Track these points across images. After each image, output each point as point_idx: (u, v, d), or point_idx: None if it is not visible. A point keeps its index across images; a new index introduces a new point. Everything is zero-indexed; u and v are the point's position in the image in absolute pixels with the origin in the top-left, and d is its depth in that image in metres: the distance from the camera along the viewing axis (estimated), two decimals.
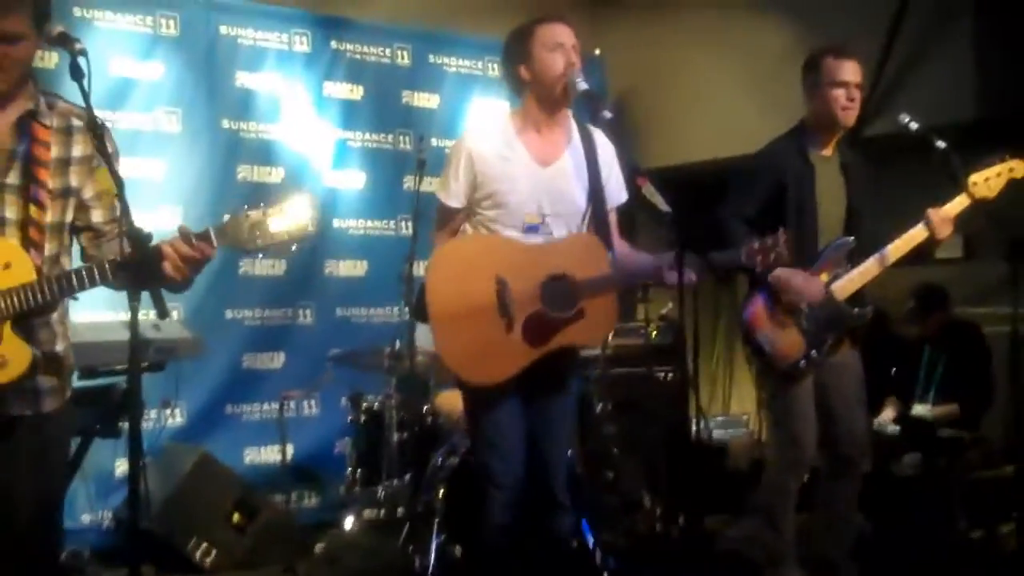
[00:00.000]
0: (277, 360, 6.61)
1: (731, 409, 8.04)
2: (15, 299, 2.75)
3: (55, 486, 3.06)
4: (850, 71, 4.39)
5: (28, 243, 2.83)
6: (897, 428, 6.10)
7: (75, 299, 2.84)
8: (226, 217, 2.77)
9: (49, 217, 2.90)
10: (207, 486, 5.16)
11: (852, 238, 4.36)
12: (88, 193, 2.96)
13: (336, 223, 6.79)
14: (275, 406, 6.02)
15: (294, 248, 2.81)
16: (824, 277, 4.35)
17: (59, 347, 2.98)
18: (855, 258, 4.37)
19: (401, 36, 7.25)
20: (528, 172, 3.72)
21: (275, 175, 6.65)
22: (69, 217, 2.96)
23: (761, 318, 4.39)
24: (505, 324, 3.59)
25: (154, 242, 2.75)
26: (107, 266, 2.78)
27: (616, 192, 3.88)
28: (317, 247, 6.68)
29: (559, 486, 3.84)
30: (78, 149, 2.95)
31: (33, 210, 2.86)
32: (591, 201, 3.80)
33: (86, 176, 2.95)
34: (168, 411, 5.65)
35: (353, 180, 6.95)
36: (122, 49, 6.11)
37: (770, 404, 4.59)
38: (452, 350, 3.60)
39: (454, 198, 3.74)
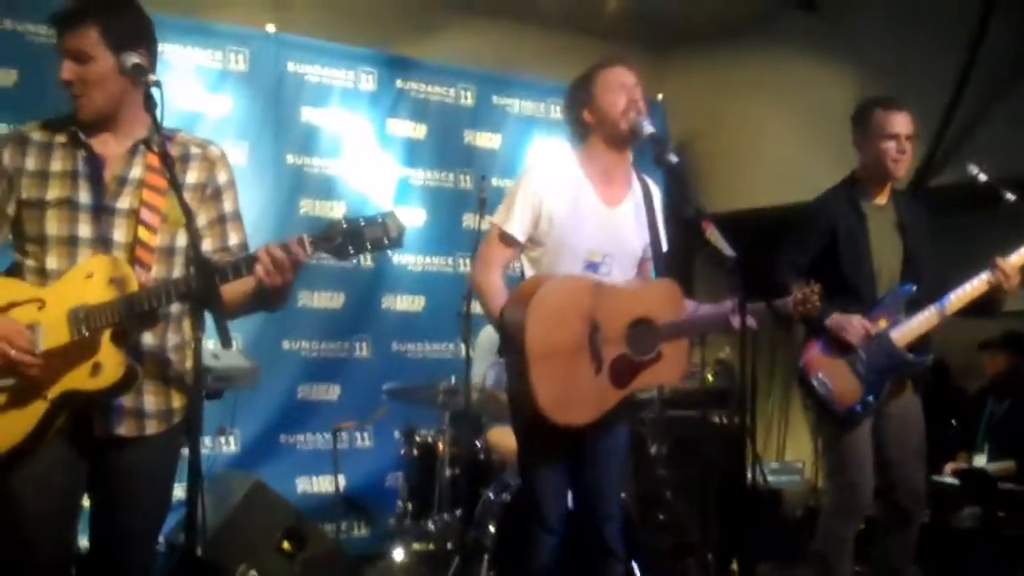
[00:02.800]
0: (332, 392, 6.64)
1: (786, 456, 7.96)
2: (112, 311, 2.81)
3: (158, 508, 3.11)
4: (900, 123, 4.39)
5: (135, 263, 2.92)
6: (956, 480, 6.00)
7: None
8: (324, 227, 2.77)
9: (158, 240, 2.98)
10: (259, 514, 5.17)
11: (912, 286, 4.33)
12: (200, 221, 3.04)
13: (395, 258, 6.84)
14: (329, 437, 6.04)
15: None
16: (883, 324, 4.32)
17: (171, 371, 3.04)
18: (915, 306, 4.34)
19: (465, 77, 7.33)
20: (595, 211, 3.77)
21: (337, 210, 6.72)
22: (180, 242, 3.03)
23: (818, 362, 4.37)
24: (595, 366, 3.61)
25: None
26: (172, 289, 2.83)
27: (664, 240, 3.94)
28: (375, 281, 6.75)
29: (610, 532, 3.83)
30: (192, 176, 3.05)
31: (143, 232, 2.95)
32: (652, 245, 3.86)
33: (198, 203, 3.03)
34: (223, 438, 5.70)
35: (413, 216, 6.99)
36: (192, 82, 6.24)
37: (826, 451, 4.54)
38: (545, 391, 3.56)
39: (518, 230, 3.77)
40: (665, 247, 3.93)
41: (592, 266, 3.76)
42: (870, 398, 4.30)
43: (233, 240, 3.13)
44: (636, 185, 3.90)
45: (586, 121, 3.81)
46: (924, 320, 4.32)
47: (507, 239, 3.79)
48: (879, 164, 4.40)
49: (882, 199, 4.49)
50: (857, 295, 4.34)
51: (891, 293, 4.35)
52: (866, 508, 4.38)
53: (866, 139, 4.43)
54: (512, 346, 3.61)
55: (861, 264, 4.36)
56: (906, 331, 4.32)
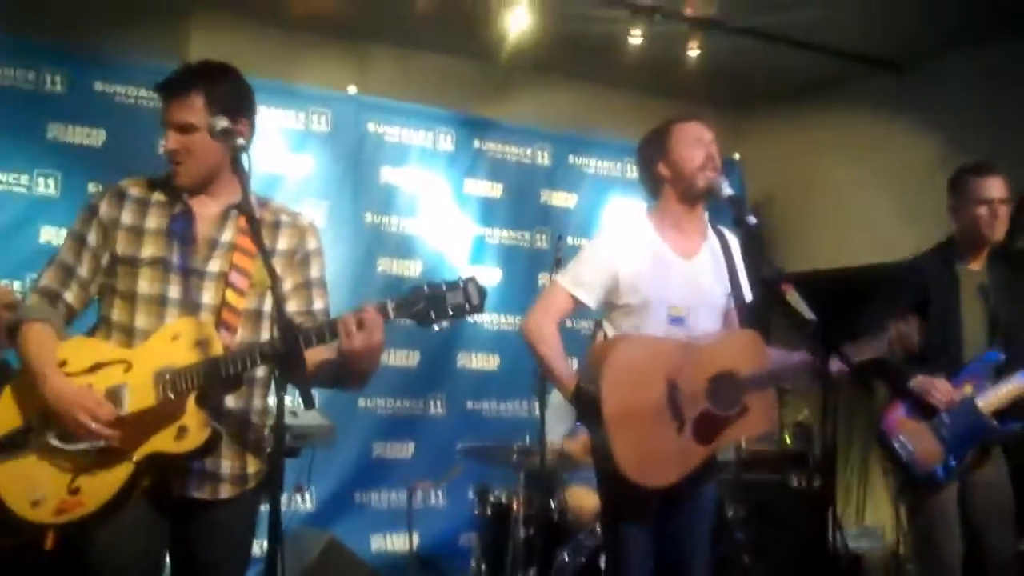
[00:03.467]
0: (407, 450, 6.67)
1: (866, 520, 7.79)
2: (198, 374, 2.84)
3: (239, 569, 3.11)
4: (994, 188, 4.34)
5: (221, 325, 2.95)
6: None
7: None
8: (407, 292, 2.79)
9: (246, 304, 3.02)
10: (334, 571, 5.18)
11: (1000, 354, 4.25)
12: (287, 285, 3.08)
13: (471, 317, 6.84)
14: (403, 495, 6.05)
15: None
16: (968, 390, 4.24)
17: (250, 435, 3.07)
18: (1004, 373, 4.26)
19: (542, 137, 7.40)
20: (671, 265, 3.74)
21: (413, 268, 6.80)
22: (267, 306, 3.06)
23: (899, 424, 4.30)
24: (677, 426, 3.56)
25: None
26: (256, 352, 2.84)
27: (746, 291, 3.88)
28: (450, 339, 6.79)
29: None
30: (283, 242, 3.09)
31: (230, 295, 2.98)
32: (733, 296, 3.80)
33: (285, 269, 3.07)
34: (299, 496, 5.73)
35: (489, 275, 7.03)
36: (275, 143, 6.37)
37: (910, 518, 4.45)
38: (627, 453, 3.51)
39: (588, 295, 3.75)
40: (749, 298, 3.87)
41: (677, 320, 3.70)
42: (953, 462, 4.22)
43: (317, 305, 3.15)
44: (712, 236, 3.87)
45: (661, 175, 3.80)
46: (1013, 389, 4.24)
47: (571, 300, 3.77)
48: (974, 230, 4.35)
49: (977, 265, 4.43)
50: (943, 360, 4.28)
51: (978, 359, 4.28)
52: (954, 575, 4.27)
53: (960, 205, 4.39)
54: (590, 411, 3.58)
55: (949, 328, 4.29)
56: (993, 399, 4.24)
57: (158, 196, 3.06)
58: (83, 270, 3.03)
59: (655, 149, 3.83)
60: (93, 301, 3.09)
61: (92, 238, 3.03)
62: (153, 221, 3.03)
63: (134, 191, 3.07)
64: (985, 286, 4.40)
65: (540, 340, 3.75)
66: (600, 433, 3.51)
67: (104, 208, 3.04)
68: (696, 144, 3.75)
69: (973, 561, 4.29)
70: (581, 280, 3.77)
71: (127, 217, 3.03)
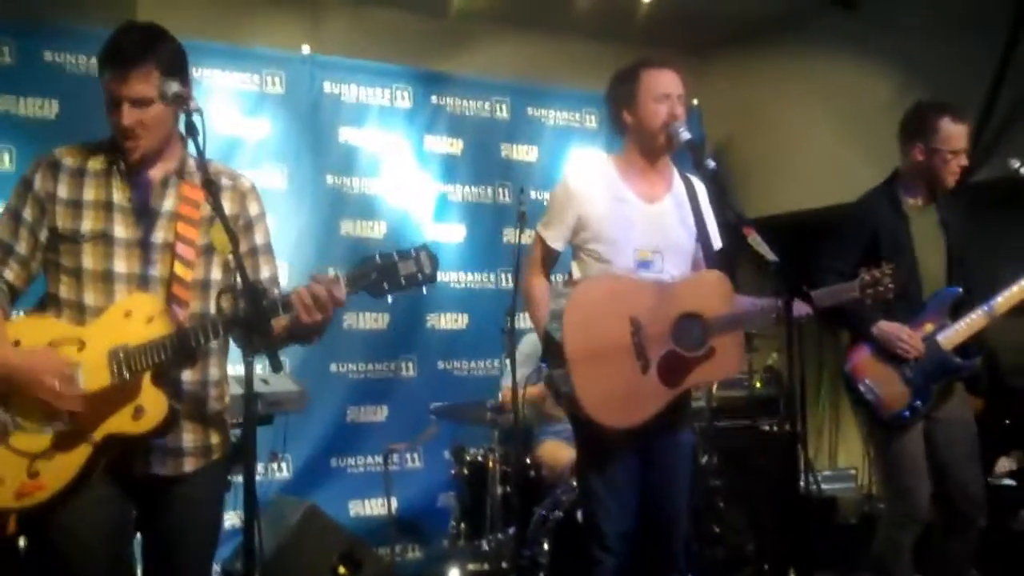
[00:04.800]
0: (380, 413, 6.66)
1: (839, 462, 7.88)
2: (153, 352, 2.81)
3: (208, 540, 3.12)
4: (964, 138, 4.34)
5: (172, 299, 2.90)
6: (1014, 482, 5.92)
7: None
8: (358, 263, 2.80)
9: (194, 274, 2.97)
10: (313, 538, 5.18)
11: (959, 288, 4.28)
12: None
13: (438, 276, 6.80)
14: (379, 459, 6.05)
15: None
16: (929, 328, 4.29)
17: (209, 408, 3.04)
18: (962, 309, 4.29)
19: (500, 89, 7.33)
20: (636, 209, 3.73)
21: (377, 230, 6.75)
22: (215, 275, 3.02)
23: (865, 367, 4.34)
24: (641, 366, 3.56)
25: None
26: (219, 322, 2.83)
27: (714, 237, 3.88)
28: (419, 300, 6.73)
29: (678, 549, 3.78)
30: (225, 208, 2.97)
31: (179, 267, 2.93)
32: (700, 242, 3.80)
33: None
34: (275, 464, 5.72)
35: (454, 233, 7.01)
36: (230, 106, 6.27)
37: (879, 458, 4.51)
38: (590, 394, 3.53)
39: (557, 240, 3.79)
40: (718, 244, 3.88)
41: (644, 264, 3.71)
42: (918, 403, 4.27)
43: (265, 273, 3.12)
44: (678, 182, 3.87)
45: (625, 121, 3.80)
46: (972, 323, 4.29)
47: (549, 250, 3.83)
48: (935, 175, 4.34)
49: (924, 200, 4.43)
50: (902, 299, 4.29)
51: (937, 297, 4.31)
52: (923, 514, 4.33)
53: (923, 147, 4.34)
54: (553, 352, 3.58)
55: (904, 267, 4.28)
56: (953, 334, 4.29)
57: (94, 165, 2.97)
58: (21, 247, 2.95)
59: (622, 94, 3.80)
60: (35, 279, 3.01)
61: (28, 213, 2.94)
62: (91, 192, 2.94)
63: (68, 161, 2.97)
64: (941, 221, 4.41)
65: (528, 300, 3.86)
66: (564, 374, 3.51)
67: (39, 181, 2.95)
68: (662, 99, 3.72)
69: (941, 498, 4.35)
70: (549, 224, 3.80)
71: (63, 190, 2.94)
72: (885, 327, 4.26)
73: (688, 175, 3.91)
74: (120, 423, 2.83)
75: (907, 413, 4.27)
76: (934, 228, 4.42)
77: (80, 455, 2.83)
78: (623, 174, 3.78)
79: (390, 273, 2.74)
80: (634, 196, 3.75)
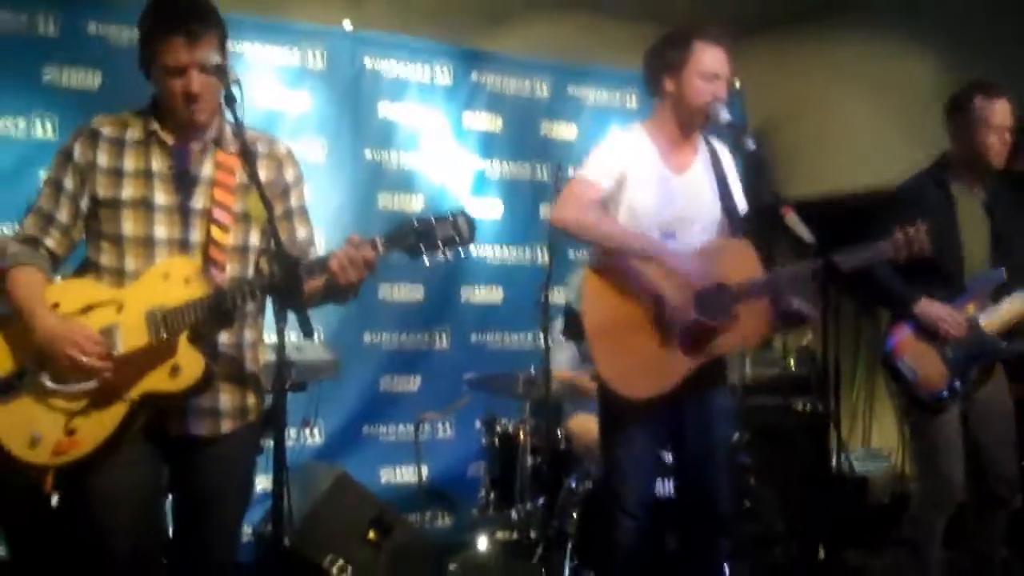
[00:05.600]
0: (413, 383, 6.69)
1: (872, 442, 7.84)
2: (190, 312, 2.86)
3: (239, 502, 3.17)
4: (1003, 114, 4.29)
5: (209, 262, 2.96)
6: None
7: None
8: (396, 226, 2.85)
9: (231, 240, 3.02)
10: (344, 504, 5.23)
11: (1003, 270, 4.25)
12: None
13: (474, 250, 6.77)
14: (411, 428, 6.08)
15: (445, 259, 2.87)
16: (971, 310, 4.25)
17: (246, 369, 3.10)
18: (1005, 292, 4.27)
19: (540, 68, 7.33)
20: (663, 179, 3.71)
21: (415, 203, 6.77)
22: (253, 241, 3.08)
23: (905, 346, 4.31)
24: (663, 336, 3.57)
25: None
26: (255, 287, 2.89)
27: (740, 201, 3.86)
28: (454, 273, 6.79)
29: (723, 512, 3.76)
30: (262, 174, 3.04)
31: (216, 232, 2.99)
32: (725, 209, 3.77)
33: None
34: (307, 430, 5.77)
35: (491, 209, 7.02)
36: (271, 80, 6.32)
37: (915, 437, 4.49)
38: (611, 366, 3.56)
39: (605, 178, 3.65)
40: (743, 207, 3.85)
41: (669, 235, 3.68)
42: (957, 384, 4.24)
43: (301, 234, 3.17)
44: (703, 149, 3.84)
45: (665, 88, 3.74)
46: (1013, 306, 4.24)
47: (592, 187, 3.66)
48: (979, 154, 4.31)
49: (972, 184, 4.41)
50: (946, 280, 4.28)
51: (979, 279, 4.28)
52: (956, 496, 4.31)
53: (965, 127, 4.33)
54: (575, 325, 3.60)
55: (950, 249, 4.27)
56: (995, 317, 4.26)
57: (133, 134, 3.02)
58: (62, 215, 3.02)
59: (669, 60, 3.72)
60: (76, 246, 3.08)
61: (69, 183, 3.01)
62: (131, 161, 3.00)
63: (107, 131, 3.03)
64: (988, 204, 4.38)
65: (592, 222, 3.62)
66: (584, 346, 3.52)
67: (78, 151, 3.00)
68: (710, 78, 3.66)
69: (975, 478, 4.33)
70: (599, 167, 3.68)
71: (103, 159, 3.00)
72: (928, 306, 4.24)
73: (711, 140, 3.88)
74: (157, 381, 2.88)
75: (946, 393, 4.24)
76: (980, 211, 4.39)
77: (117, 413, 2.88)
78: (655, 140, 3.76)
79: (427, 235, 2.79)
80: (663, 166, 3.73)
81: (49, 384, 2.90)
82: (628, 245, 3.62)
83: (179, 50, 2.88)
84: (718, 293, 3.59)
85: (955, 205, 4.34)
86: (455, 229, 2.80)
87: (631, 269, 3.62)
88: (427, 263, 2.84)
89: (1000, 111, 4.28)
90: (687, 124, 3.75)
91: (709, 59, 3.67)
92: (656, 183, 3.70)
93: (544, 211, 6.96)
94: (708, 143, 3.87)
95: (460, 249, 2.84)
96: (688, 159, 3.80)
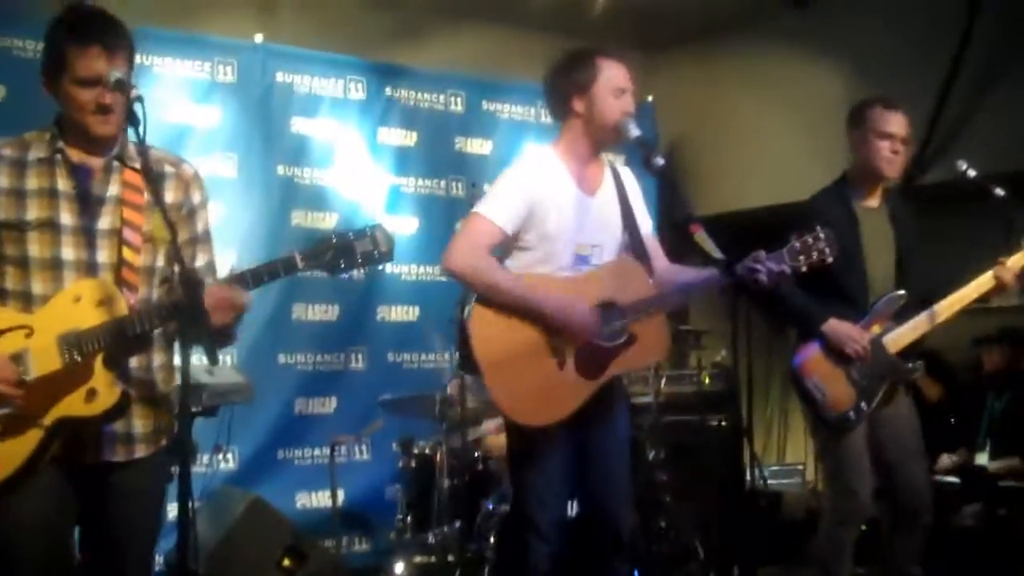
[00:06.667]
0: (329, 405, 6.61)
1: (786, 458, 7.94)
2: (104, 335, 2.78)
3: (150, 531, 3.09)
4: (896, 123, 4.35)
5: (122, 284, 2.88)
6: (957, 479, 5.99)
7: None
8: (314, 243, 2.82)
9: (141, 260, 2.95)
10: (258, 531, 5.15)
11: (903, 292, 4.31)
12: (180, 238, 2.96)
13: (388, 268, 6.76)
14: (326, 451, 6.00)
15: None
16: (876, 329, 4.31)
17: (157, 392, 3.02)
18: (908, 310, 4.32)
19: (454, 83, 7.30)
20: (578, 202, 3.68)
21: (329, 220, 6.70)
22: (159, 262, 3.01)
23: (813, 366, 4.35)
24: (557, 362, 3.55)
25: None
26: (161, 309, 2.82)
27: (646, 219, 3.86)
28: (369, 292, 6.73)
29: (624, 533, 3.75)
30: (168, 195, 2.99)
31: (127, 253, 2.91)
32: (626, 229, 3.77)
33: (176, 223, 2.94)
34: (220, 455, 5.66)
35: (406, 226, 6.95)
36: (180, 95, 6.20)
37: (822, 456, 4.54)
38: (506, 395, 3.52)
39: (508, 222, 3.58)
40: (648, 226, 3.86)
41: (582, 259, 3.66)
42: (863, 404, 4.28)
43: (200, 261, 3.11)
44: (608, 170, 3.83)
45: (574, 109, 3.69)
46: (916, 326, 4.31)
47: (492, 232, 3.58)
48: (873, 164, 4.36)
49: (874, 200, 4.46)
50: (851, 300, 4.32)
51: (883, 299, 4.32)
52: (865, 513, 4.37)
53: (860, 138, 4.39)
54: (466, 357, 3.56)
55: (854, 269, 4.31)
56: (898, 337, 4.31)
57: (36, 154, 2.93)
58: None
59: (575, 81, 3.69)
60: None
61: None
62: (34, 181, 2.91)
63: (7, 151, 2.93)
64: (891, 222, 4.44)
65: (483, 271, 3.54)
66: (479, 378, 3.50)
67: None
68: (619, 94, 3.66)
69: (888, 494, 4.38)
70: (503, 207, 3.60)
71: (3, 180, 2.89)
72: (836, 325, 4.27)
73: (611, 161, 3.88)
74: (72, 406, 2.80)
75: (852, 415, 4.28)
76: (884, 229, 4.44)
77: (31, 440, 2.79)
78: (567, 164, 3.72)
79: (347, 251, 2.78)
80: (576, 188, 3.70)
81: None
82: (514, 297, 3.54)
83: (95, 60, 2.82)
84: (611, 313, 3.58)
85: (858, 223, 4.38)
86: (374, 244, 2.80)
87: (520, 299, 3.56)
88: (346, 278, 2.83)
89: (894, 121, 4.35)
90: (598, 142, 3.74)
91: (616, 74, 3.68)
92: (572, 207, 3.66)
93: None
94: (611, 165, 3.86)
95: (380, 264, 2.83)
96: (597, 180, 3.78)
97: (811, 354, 4.35)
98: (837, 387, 4.29)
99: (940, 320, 4.30)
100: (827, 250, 3.62)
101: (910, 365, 4.32)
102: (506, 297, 3.54)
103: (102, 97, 2.84)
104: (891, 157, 4.34)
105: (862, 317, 4.30)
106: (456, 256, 3.59)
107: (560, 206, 3.65)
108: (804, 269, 3.64)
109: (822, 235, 3.62)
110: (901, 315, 4.32)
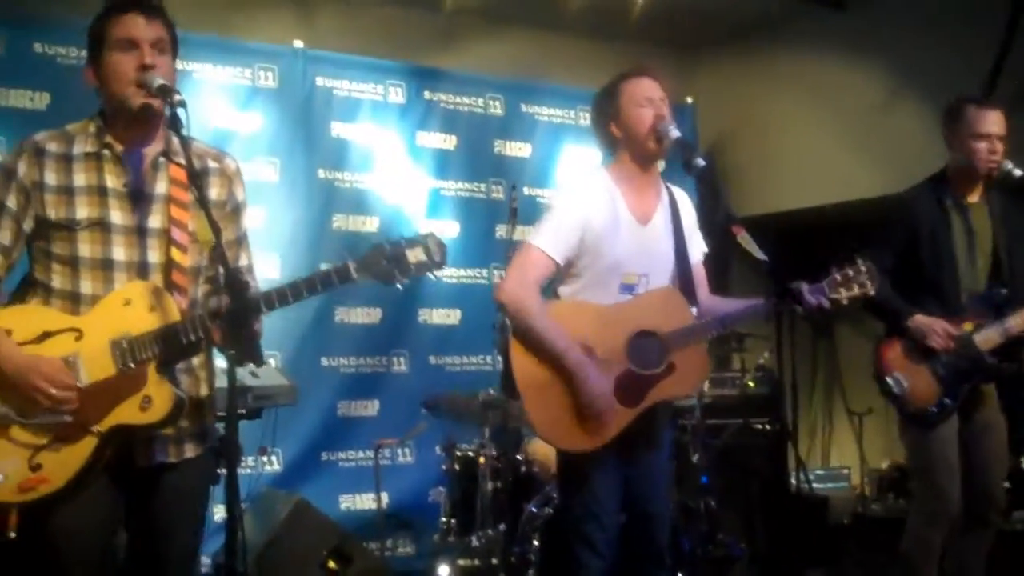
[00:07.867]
0: (372, 407, 6.64)
1: (831, 462, 7.86)
2: (157, 341, 2.77)
3: (195, 532, 3.09)
4: (993, 122, 4.30)
5: (171, 286, 2.86)
6: (1007, 483, 5.90)
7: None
8: (367, 250, 2.80)
9: (189, 260, 2.93)
10: (303, 533, 5.16)
11: (1004, 289, 4.26)
12: (225, 237, 2.95)
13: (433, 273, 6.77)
14: (370, 453, 6.02)
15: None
16: (968, 327, 4.24)
17: (202, 393, 3.02)
18: (1005, 309, 4.26)
19: (493, 86, 7.32)
20: (631, 231, 3.69)
21: (369, 224, 6.73)
22: (205, 261, 3.00)
23: (895, 361, 4.32)
24: None
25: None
26: (209, 316, 2.80)
27: (698, 245, 3.88)
28: (411, 295, 6.75)
29: (664, 545, 3.79)
30: (212, 192, 2.98)
31: (175, 253, 2.89)
32: (677, 258, 3.77)
33: (221, 221, 2.93)
34: (265, 458, 5.69)
35: (447, 229, 6.97)
36: (222, 100, 6.26)
37: (911, 453, 4.47)
38: (545, 421, 3.54)
39: (559, 253, 3.61)
40: (702, 249, 3.89)
41: (627, 288, 3.67)
42: (947, 401, 4.24)
43: (243, 262, 3.12)
44: (665, 195, 3.83)
45: (614, 135, 3.74)
46: (1013, 325, 4.24)
47: (545, 262, 3.61)
48: (970, 163, 4.31)
49: (973, 197, 4.41)
50: (941, 296, 4.28)
51: (978, 296, 4.28)
52: (952, 513, 4.28)
53: (957, 138, 4.34)
54: (509, 384, 3.57)
55: (944, 264, 4.28)
56: (991, 335, 4.25)
57: (80, 148, 2.90)
58: (4, 237, 2.87)
59: (606, 110, 3.76)
60: (15, 267, 2.94)
61: (12, 202, 2.86)
62: (82, 178, 2.88)
63: (52, 146, 2.89)
64: (991, 219, 4.37)
65: (525, 312, 3.54)
66: (520, 405, 3.51)
67: (23, 169, 2.87)
68: (646, 103, 3.67)
69: (964, 497, 4.30)
70: (557, 239, 3.62)
71: (50, 177, 2.86)
72: (920, 319, 4.24)
73: (670, 186, 3.88)
74: (128, 414, 2.79)
75: (935, 409, 4.24)
76: (982, 226, 4.38)
77: (86, 447, 2.78)
78: (618, 188, 3.72)
79: (400, 260, 2.75)
80: (630, 215, 3.70)
81: (12, 417, 2.76)
82: (549, 348, 3.53)
83: (132, 22, 2.83)
84: (651, 342, 3.58)
85: (951, 220, 4.34)
86: (427, 252, 2.78)
87: (559, 319, 3.57)
88: (399, 287, 2.81)
89: (991, 120, 4.29)
90: (643, 156, 3.73)
91: (637, 89, 3.71)
92: (623, 236, 3.66)
93: (500, 231, 6.94)
94: (669, 190, 3.86)
95: (432, 273, 2.81)
96: (652, 207, 3.77)
97: (894, 350, 4.33)
98: (920, 382, 4.26)
99: None
100: (868, 283, 3.59)
101: (998, 362, 4.25)
102: (535, 345, 3.55)
103: (143, 58, 2.82)
104: (988, 156, 4.29)
105: (954, 314, 4.26)
106: (507, 290, 3.61)
107: (612, 235, 3.65)
108: (845, 303, 3.61)
109: (863, 268, 3.59)
110: (1000, 313, 4.26)
